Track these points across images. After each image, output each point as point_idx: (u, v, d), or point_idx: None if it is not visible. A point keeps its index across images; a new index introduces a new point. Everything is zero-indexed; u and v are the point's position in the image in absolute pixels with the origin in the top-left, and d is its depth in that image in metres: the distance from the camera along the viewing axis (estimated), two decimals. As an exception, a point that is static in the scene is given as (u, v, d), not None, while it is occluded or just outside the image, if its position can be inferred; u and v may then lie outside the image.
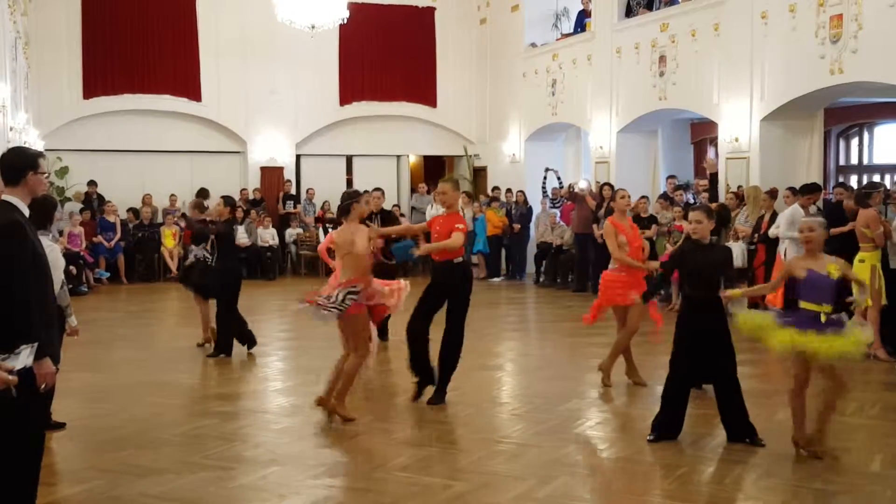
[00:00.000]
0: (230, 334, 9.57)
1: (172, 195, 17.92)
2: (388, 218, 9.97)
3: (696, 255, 6.21)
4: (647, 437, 6.24)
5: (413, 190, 20.55)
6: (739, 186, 12.65)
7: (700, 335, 6.16)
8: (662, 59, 14.39)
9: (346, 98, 19.77)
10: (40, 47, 17.26)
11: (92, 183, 17.74)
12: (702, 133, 15.95)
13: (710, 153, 12.77)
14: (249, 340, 9.72)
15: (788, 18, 11.75)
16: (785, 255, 10.81)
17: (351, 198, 6.86)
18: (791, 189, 11.12)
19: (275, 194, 19.06)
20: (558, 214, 16.78)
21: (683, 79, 13.99)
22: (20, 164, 4.32)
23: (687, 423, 6.35)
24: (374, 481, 5.51)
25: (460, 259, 7.33)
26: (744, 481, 5.55)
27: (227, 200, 10.06)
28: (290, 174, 19.46)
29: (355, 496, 5.35)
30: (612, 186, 14.40)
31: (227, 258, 9.80)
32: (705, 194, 12.47)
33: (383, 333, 10.09)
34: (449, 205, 7.44)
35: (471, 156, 20.73)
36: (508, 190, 17.77)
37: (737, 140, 12.85)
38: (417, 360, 7.34)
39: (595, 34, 16.23)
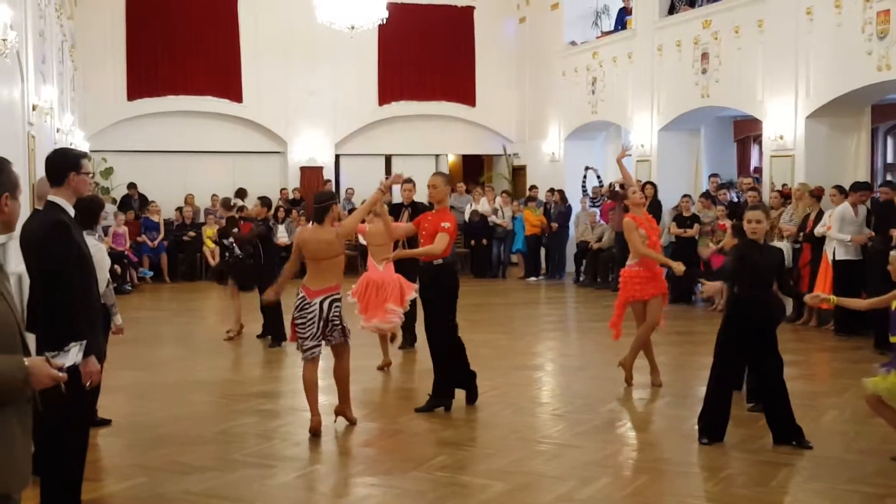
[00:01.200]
0: (280, 321, 9.88)
1: (214, 195, 18.10)
2: (418, 210, 9.85)
3: (753, 255, 6.08)
4: (701, 441, 6.13)
5: (452, 189, 20.48)
6: (784, 185, 12.46)
7: (748, 335, 6.06)
8: (705, 56, 14.20)
9: (385, 98, 19.83)
10: (86, 50, 17.55)
11: (132, 185, 18.03)
12: (745, 131, 15.72)
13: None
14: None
15: (834, 14, 11.52)
16: (834, 254, 10.61)
17: (331, 198, 6.59)
18: (838, 188, 10.90)
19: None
20: (598, 213, 16.66)
21: (726, 76, 13.78)
22: (63, 165, 4.41)
23: (731, 424, 6.25)
24: (413, 480, 5.51)
25: (440, 261, 7.05)
26: (790, 484, 5.46)
27: (264, 201, 10.57)
28: (329, 174, 19.56)
29: (394, 495, 5.34)
30: (654, 185, 14.25)
31: (267, 256, 10.04)
32: (751, 193, 12.26)
33: (412, 337, 9.98)
34: (438, 200, 7.13)
35: (510, 155, 20.68)
36: (551, 190, 17.63)
37: (781, 138, 12.63)
38: (455, 372, 7.15)
39: (636, 32, 16.08)
